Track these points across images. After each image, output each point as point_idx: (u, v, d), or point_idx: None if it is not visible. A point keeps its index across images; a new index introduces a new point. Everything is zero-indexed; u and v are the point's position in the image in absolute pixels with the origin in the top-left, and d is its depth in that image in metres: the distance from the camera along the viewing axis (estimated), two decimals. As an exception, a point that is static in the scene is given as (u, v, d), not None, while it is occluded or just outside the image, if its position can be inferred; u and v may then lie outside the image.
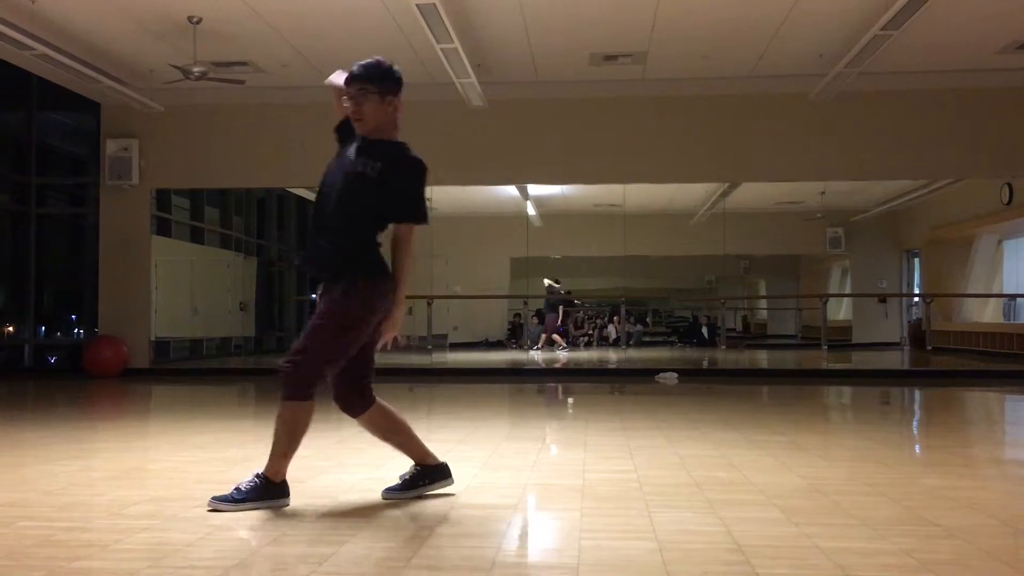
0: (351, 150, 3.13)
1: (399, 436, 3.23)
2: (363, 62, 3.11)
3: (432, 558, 2.42)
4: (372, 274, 3.04)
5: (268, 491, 2.99)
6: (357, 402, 3.16)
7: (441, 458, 3.32)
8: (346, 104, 3.14)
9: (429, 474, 3.24)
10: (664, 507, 3.04)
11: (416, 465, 3.24)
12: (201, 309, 12.80)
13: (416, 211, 3.14)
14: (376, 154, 3.07)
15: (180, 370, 11.11)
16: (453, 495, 3.25)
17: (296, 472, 3.76)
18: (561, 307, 14.82)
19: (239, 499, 2.97)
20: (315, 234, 3.11)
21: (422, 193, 3.16)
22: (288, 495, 3.04)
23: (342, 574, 2.29)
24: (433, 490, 3.22)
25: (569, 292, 15.29)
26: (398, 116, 3.16)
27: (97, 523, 2.86)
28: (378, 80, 3.08)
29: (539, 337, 14.90)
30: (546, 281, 14.85)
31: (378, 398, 3.20)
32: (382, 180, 3.05)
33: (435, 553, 2.47)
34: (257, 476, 3.02)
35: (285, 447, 3.01)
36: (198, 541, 2.58)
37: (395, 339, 3.16)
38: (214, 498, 3.00)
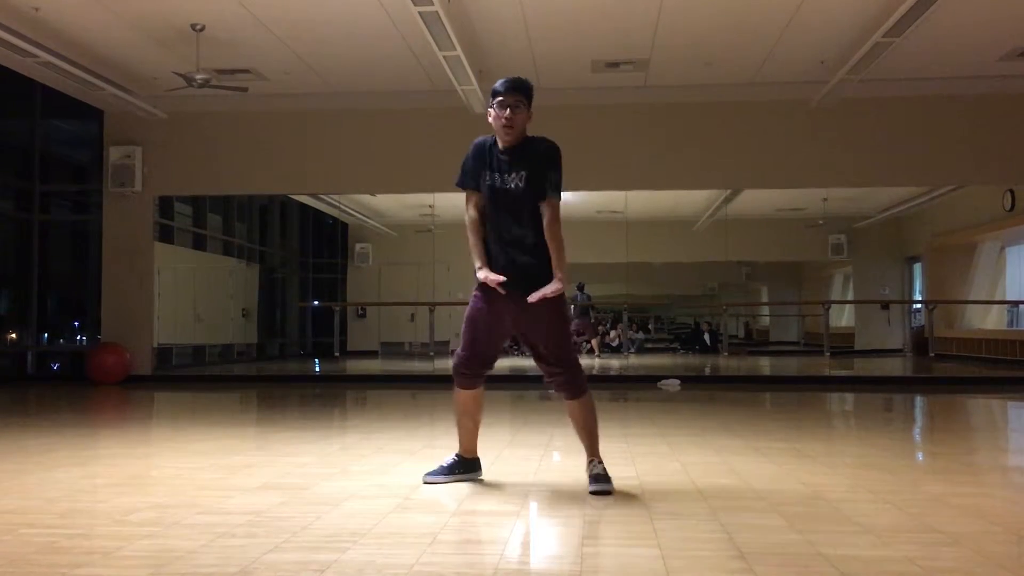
0: (500, 171, 3.42)
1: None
2: (514, 78, 3.46)
3: (434, 564, 2.41)
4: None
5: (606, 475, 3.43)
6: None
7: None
8: (496, 111, 3.42)
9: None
10: (667, 514, 3.03)
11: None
12: (204, 316, 12.82)
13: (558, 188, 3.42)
14: (518, 163, 3.39)
15: (182, 377, 11.12)
16: (456, 502, 3.25)
17: (298, 479, 3.76)
18: (591, 311, 14.89)
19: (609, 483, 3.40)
20: (510, 250, 3.42)
21: (560, 171, 3.43)
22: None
23: (344, 581, 2.28)
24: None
25: (589, 297, 15.32)
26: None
27: (99, 530, 2.86)
28: (530, 96, 3.44)
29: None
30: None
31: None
32: (532, 178, 3.37)
33: (437, 560, 2.47)
34: (597, 463, 3.44)
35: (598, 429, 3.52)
36: (200, 548, 2.58)
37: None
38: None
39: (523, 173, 3.36)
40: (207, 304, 13.01)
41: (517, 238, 3.39)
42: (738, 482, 3.66)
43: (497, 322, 3.45)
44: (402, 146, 10.29)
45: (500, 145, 3.44)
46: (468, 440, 3.65)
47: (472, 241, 3.47)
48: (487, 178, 3.42)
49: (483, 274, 3.39)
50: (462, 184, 3.52)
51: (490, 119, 3.44)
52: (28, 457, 4.46)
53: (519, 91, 3.41)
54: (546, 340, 3.40)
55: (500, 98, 3.39)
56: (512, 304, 3.38)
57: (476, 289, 3.50)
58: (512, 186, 3.37)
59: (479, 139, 3.53)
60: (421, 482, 3.63)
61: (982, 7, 7.56)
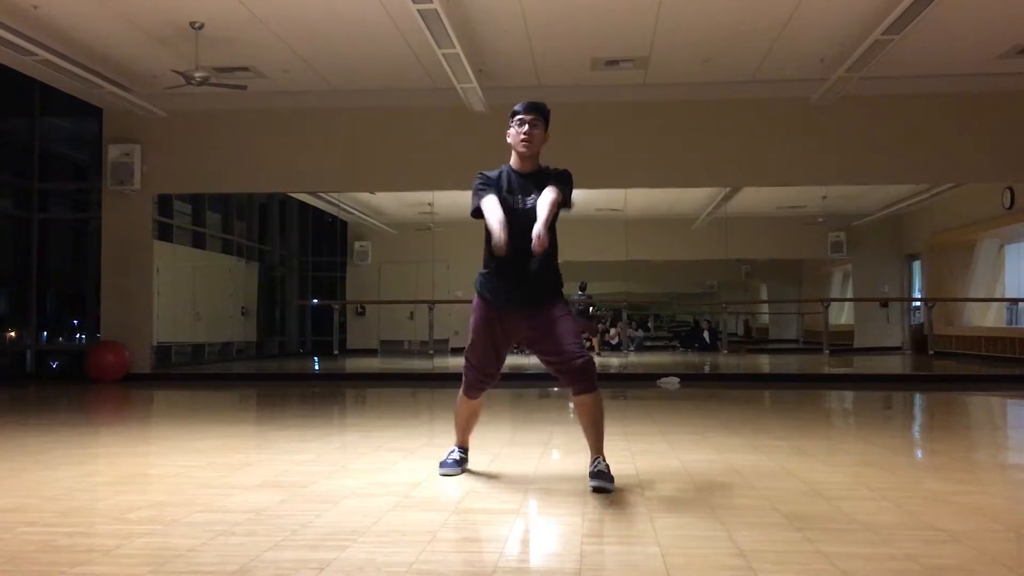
0: (516, 193, 3.56)
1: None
2: (533, 101, 3.63)
3: (434, 563, 2.41)
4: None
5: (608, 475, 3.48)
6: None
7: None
8: (516, 128, 3.58)
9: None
10: (666, 512, 3.04)
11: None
12: (203, 314, 12.81)
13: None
14: (535, 188, 3.53)
15: (182, 375, 11.11)
16: (456, 500, 3.25)
17: (298, 477, 3.76)
18: (592, 310, 14.86)
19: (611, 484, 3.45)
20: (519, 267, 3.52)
21: (571, 187, 3.60)
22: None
23: (344, 579, 2.28)
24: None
25: (591, 297, 15.32)
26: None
27: (99, 528, 2.86)
28: (547, 118, 3.62)
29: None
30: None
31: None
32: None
33: (437, 558, 2.47)
34: (601, 460, 3.49)
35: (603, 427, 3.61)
36: (200, 546, 2.58)
37: None
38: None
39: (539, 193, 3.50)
40: (206, 302, 13.00)
41: (527, 256, 3.44)
42: (738, 480, 3.66)
43: (506, 340, 3.66)
44: (401, 144, 10.28)
45: (515, 167, 3.60)
46: (467, 436, 3.97)
47: (493, 213, 3.38)
48: (506, 200, 3.51)
49: (503, 238, 3.32)
50: (479, 198, 3.47)
51: (509, 139, 3.60)
52: (27, 456, 4.46)
53: (537, 111, 3.59)
54: (560, 338, 3.51)
55: (519, 116, 3.58)
56: (522, 320, 3.57)
57: (478, 301, 3.62)
58: (526, 207, 3.49)
59: (486, 172, 3.61)
60: (421, 480, 3.63)
61: (982, 4, 7.56)
